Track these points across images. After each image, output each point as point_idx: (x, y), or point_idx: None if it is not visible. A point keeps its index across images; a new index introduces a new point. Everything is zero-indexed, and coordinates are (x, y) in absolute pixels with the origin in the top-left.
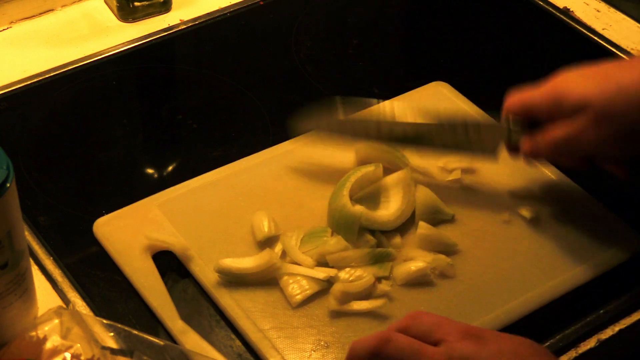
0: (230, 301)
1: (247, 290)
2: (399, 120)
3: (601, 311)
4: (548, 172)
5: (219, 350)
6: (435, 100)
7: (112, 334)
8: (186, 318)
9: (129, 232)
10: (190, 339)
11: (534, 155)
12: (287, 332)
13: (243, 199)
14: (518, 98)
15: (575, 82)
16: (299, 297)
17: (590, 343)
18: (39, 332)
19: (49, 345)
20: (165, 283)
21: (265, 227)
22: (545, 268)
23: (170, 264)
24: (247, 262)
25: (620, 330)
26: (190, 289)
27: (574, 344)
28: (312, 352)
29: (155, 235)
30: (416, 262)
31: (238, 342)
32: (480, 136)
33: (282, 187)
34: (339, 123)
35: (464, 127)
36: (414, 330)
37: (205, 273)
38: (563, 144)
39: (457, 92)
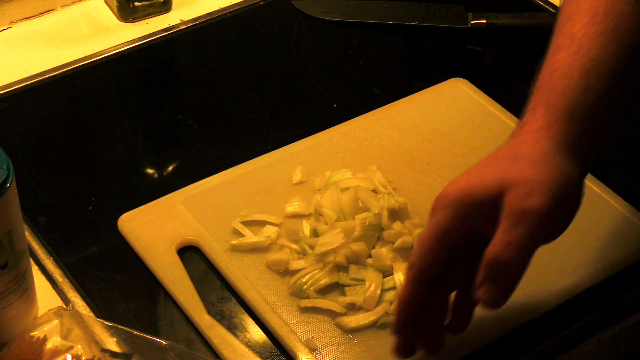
0: (256, 295)
1: (273, 284)
2: None
3: (601, 311)
4: None
5: (246, 344)
6: (455, 96)
7: (112, 335)
8: (212, 312)
9: (153, 228)
10: (218, 333)
11: None
12: (314, 325)
13: (266, 194)
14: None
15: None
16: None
17: (590, 343)
18: (39, 332)
19: (49, 345)
20: (191, 278)
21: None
22: (564, 264)
23: (194, 259)
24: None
25: (620, 331)
26: (215, 284)
27: (574, 344)
28: (339, 345)
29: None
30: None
31: (264, 336)
32: None
33: (304, 183)
34: None
35: None
36: None
37: (231, 268)
38: None
39: (476, 89)
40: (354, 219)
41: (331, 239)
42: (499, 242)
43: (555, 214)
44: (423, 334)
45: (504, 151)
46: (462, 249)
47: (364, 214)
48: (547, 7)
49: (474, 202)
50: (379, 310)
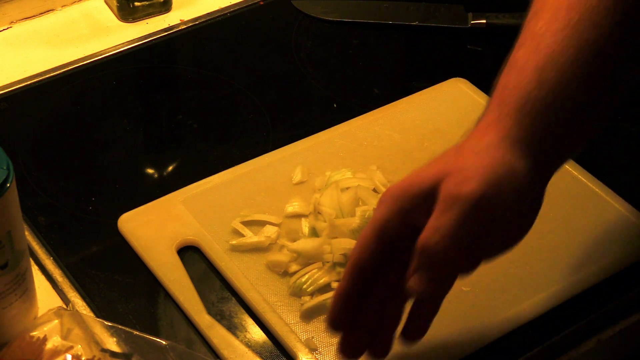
0: (256, 295)
1: (273, 284)
2: None
3: (601, 311)
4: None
5: (246, 344)
6: (455, 96)
7: (112, 335)
8: (212, 312)
9: (153, 228)
10: (218, 333)
11: None
12: (314, 325)
13: (266, 194)
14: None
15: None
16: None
17: (590, 343)
18: (39, 332)
19: (49, 345)
20: (191, 278)
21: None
22: (564, 264)
23: (194, 259)
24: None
25: (620, 331)
26: (215, 284)
27: (574, 344)
28: None
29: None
30: None
31: (264, 336)
32: None
33: (304, 183)
34: None
35: None
36: None
37: (231, 268)
38: None
39: (476, 89)
40: None
41: (307, 245)
42: (428, 228)
43: (492, 204)
44: (362, 331)
45: (453, 147)
46: (405, 246)
47: (364, 207)
48: None
49: (411, 195)
50: None
